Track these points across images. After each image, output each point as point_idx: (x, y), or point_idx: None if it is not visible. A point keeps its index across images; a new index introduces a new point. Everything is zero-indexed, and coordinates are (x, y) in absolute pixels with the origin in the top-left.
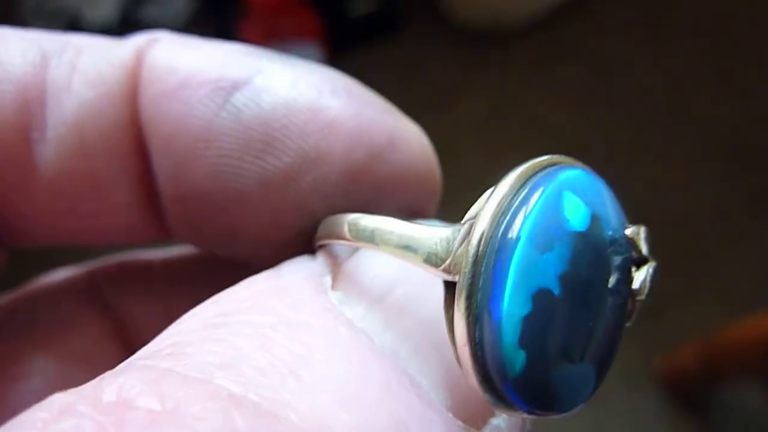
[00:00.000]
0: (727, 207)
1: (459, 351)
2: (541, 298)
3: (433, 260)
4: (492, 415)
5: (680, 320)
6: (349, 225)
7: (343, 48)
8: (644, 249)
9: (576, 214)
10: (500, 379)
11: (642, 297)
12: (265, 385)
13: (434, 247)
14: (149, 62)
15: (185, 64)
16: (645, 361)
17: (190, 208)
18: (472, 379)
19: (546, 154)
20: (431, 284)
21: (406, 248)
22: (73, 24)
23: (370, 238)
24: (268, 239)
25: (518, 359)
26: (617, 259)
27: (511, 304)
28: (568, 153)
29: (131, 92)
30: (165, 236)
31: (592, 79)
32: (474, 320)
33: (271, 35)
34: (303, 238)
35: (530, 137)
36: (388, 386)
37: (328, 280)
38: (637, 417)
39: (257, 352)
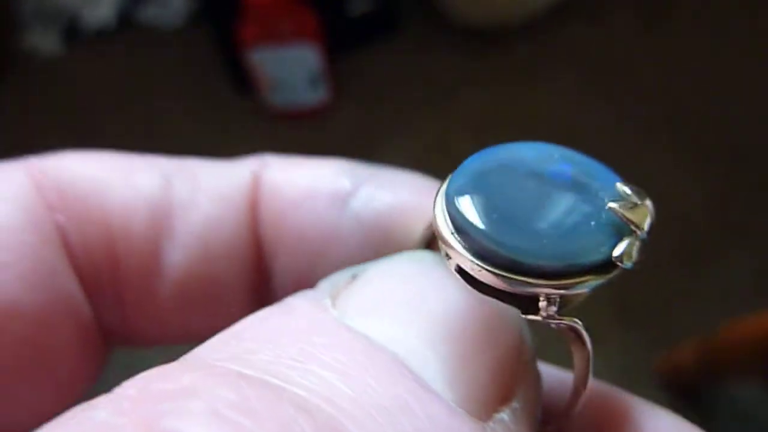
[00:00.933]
0: (729, 204)
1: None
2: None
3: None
4: (496, 409)
5: (680, 319)
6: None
7: (342, 48)
8: (633, 216)
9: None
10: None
11: (623, 265)
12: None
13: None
14: (267, 180)
15: (303, 178)
16: (645, 360)
17: None
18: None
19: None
20: (421, 293)
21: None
22: (72, 24)
23: None
24: None
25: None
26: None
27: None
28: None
29: (252, 205)
30: None
31: (591, 79)
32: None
33: (269, 35)
34: None
35: (529, 136)
36: (391, 376)
37: (327, 302)
38: None
39: (268, 353)
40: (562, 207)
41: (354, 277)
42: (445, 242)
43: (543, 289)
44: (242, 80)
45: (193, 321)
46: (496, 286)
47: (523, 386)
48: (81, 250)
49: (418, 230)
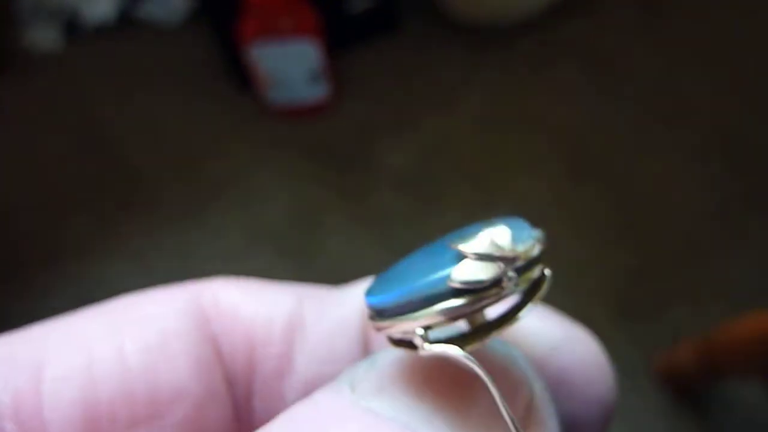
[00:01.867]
0: (727, 205)
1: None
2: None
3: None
4: None
5: (679, 319)
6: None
7: (342, 45)
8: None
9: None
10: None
11: (464, 284)
12: None
13: None
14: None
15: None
16: (644, 359)
17: None
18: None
19: (544, 150)
20: (421, 377)
21: None
22: (72, 20)
23: None
24: None
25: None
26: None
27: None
28: (567, 151)
29: (364, 320)
30: None
31: (592, 77)
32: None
33: (269, 32)
34: None
35: (529, 134)
36: None
37: (345, 387)
38: (635, 414)
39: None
40: (429, 263)
41: (372, 362)
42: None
43: (405, 325)
44: (242, 77)
45: None
46: (388, 335)
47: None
48: (228, 356)
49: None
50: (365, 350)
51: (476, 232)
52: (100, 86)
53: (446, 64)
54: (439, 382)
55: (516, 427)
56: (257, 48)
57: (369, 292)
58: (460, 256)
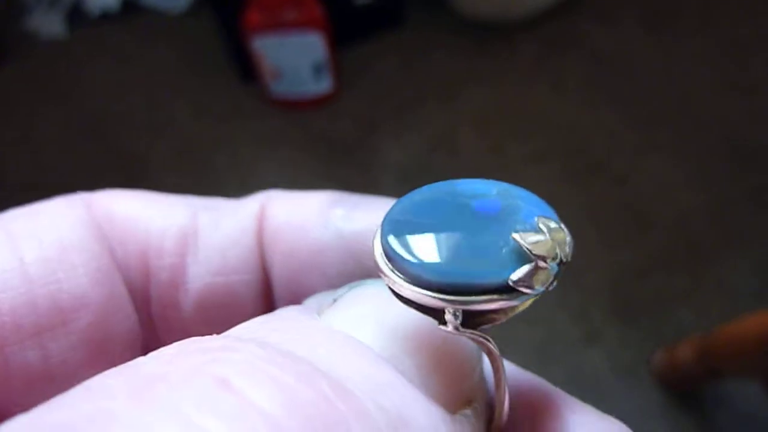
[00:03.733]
0: (729, 205)
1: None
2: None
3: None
4: (464, 406)
5: (680, 318)
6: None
7: (347, 39)
8: (535, 249)
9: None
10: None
11: (522, 289)
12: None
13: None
14: (270, 208)
15: (297, 207)
16: (644, 359)
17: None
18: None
19: (546, 148)
20: (396, 314)
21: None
22: (76, 7)
23: None
24: None
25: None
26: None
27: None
28: (568, 149)
29: (259, 228)
30: None
31: (596, 74)
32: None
33: (274, 23)
34: None
35: (532, 130)
36: (380, 364)
37: (315, 315)
38: (635, 413)
39: (270, 336)
40: (477, 235)
41: (335, 300)
42: (377, 266)
43: (442, 303)
44: (246, 68)
45: (211, 328)
46: (411, 299)
47: (479, 396)
48: (123, 266)
49: None
50: (260, 261)
51: (531, 221)
52: (102, 74)
53: (449, 60)
54: (424, 336)
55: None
56: (262, 39)
57: (400, 242)
58: (520, 254)
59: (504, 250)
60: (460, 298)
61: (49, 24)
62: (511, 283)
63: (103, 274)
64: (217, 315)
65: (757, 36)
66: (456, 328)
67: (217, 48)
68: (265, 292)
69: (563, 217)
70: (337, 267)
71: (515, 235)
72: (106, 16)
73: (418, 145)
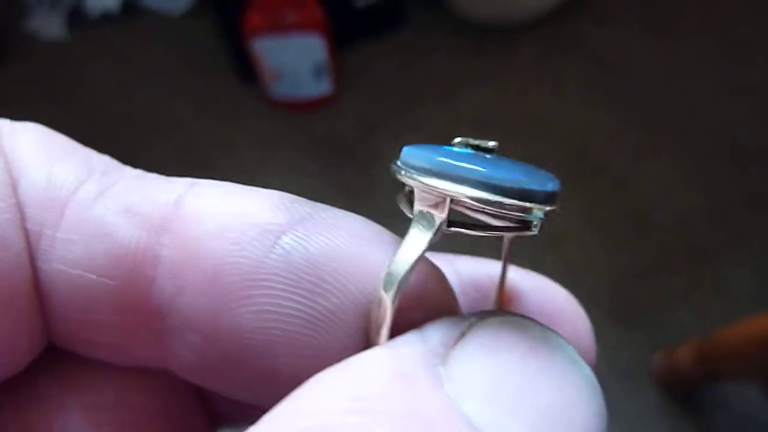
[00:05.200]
0: (729, 206)
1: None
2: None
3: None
4: None
5: (680, 320)
6: None
7: (347, 40)
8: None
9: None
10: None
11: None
12: None
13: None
14: (188, 205)
15: (232, 206)
16: (644, 360)
17: (225, 348)
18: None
19: (545, 150)
20: (534, 381)
21: None
22: (76, 9)
23: None
24: (299, 381)
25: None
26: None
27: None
28: (568, 151)
29: (157, 226)
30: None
31: (596, 76)
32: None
33: (274, 25)
34: None
35: (532, 131)
36: None
37: (442, 371)
38: (634, 415)
39: None
40: (509, 164)
41: (462, 335)
42: (451, 192)
43: (539, 211)
44: (246, 69)
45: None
46: (510, 214)
47: None
48: None
49: (359, 280)
50: (142, 273)
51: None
52: (102, 75)
53: (449, 61)
54: (565, 416)
55: None
56: (262, 41)
57: (474, 168)
58: (552, 178)
59: (528, 169)
60: (547, 206)
61: (49, 25)
62: (557, 192)
63: (17, 216)
64: (74, 310)
65: (757, 37)
66: (540, 229)
67: (218, 49)
68: (150, 318)
69: (563, 218)
70: (281, 306)
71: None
72: (106, 17)
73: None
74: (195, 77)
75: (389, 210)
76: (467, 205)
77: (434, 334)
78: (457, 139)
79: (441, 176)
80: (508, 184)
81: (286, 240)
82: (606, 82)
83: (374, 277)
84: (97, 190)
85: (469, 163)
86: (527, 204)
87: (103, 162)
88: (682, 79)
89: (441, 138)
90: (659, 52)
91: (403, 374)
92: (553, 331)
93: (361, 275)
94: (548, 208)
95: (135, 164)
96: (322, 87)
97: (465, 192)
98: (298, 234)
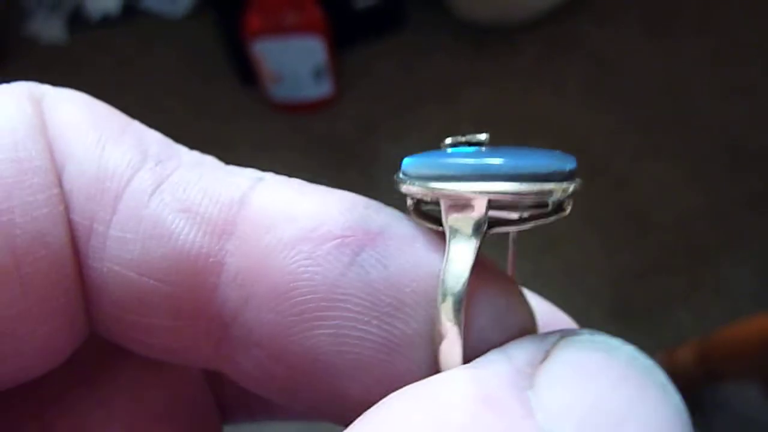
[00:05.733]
0: (729, 206)
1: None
2: None
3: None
4: None
5: (679, 320)
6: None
7: (347, 42)
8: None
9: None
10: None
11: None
12: None
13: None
14: (256, 205)
15: (304, 211)
16: None
17: (293, 367)
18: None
19: (546, 149)
20: (626, 410)
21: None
22: (76, 11)
23: None
24: (374, 402)
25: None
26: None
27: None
28: (570, 149)
29: (221, 231)
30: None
31: (596, 77)
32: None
33: (274, 27)
34: None
35: (531, 134)
36: None
37: (531, 395)
38: None
39: None
40: (512, 152)
41: (547, 353)
42: (485, 190)
43: (568, 188)
44: (246, 71)
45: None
46: (544, 199)
47: None
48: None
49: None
50: (210, 288)
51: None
52: (102, 77)
53: (449, 62)
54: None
55: None
56: (262, 43)
57: (494, 162)
58: (559, 154)
59: (536, 152)
60: (566, 184)
61: (49, 28)
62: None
63: (60, 208)
64: (135, 316)
65: (757, 37)
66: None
67: (218, 52)
68: (211, 327)
69: (562, 219)
70: (358, 329)
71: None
72: (106, 20)
73: (419, 147)
74: (195, 79)
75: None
76: (501, 201)
77: (519, 353)
78: (448, 140)
79: (464, 178)
80: (536, 170)
81: (365, 257)
82: (606, 82)
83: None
84: (153, 182)
85: (482, 159)
86: (563, 185)
87: (156, 142)
88: (681, 79)
89: (441, 137)
90: (659, 52)
91: (488, 398)
92: (642, 353)
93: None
94: (576, 184)
95: None
96: (322, 88)
97: (499, 188)
98: (377, 250)
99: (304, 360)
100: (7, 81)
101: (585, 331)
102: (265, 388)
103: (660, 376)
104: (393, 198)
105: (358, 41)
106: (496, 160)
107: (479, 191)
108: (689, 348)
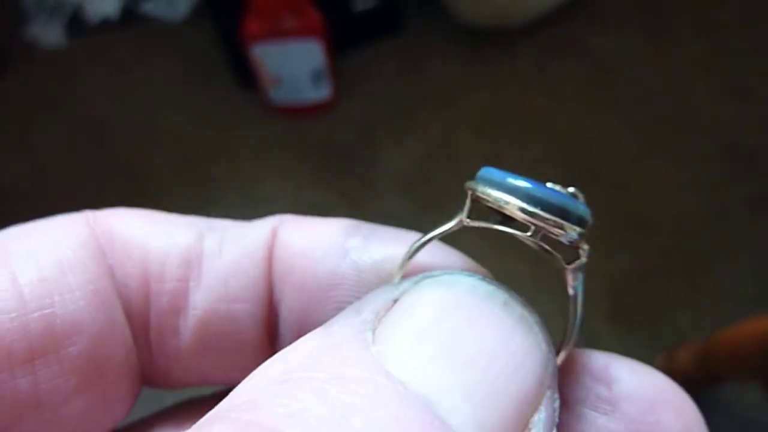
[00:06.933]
0: (728, 208)
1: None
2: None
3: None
4: (526, 427)
5: (680, 321)
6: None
7: (346, 45)
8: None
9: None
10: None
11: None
12: (325, 429)
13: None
14: (283, 233)
15: (311, 234)
16: (644, 362)
17: None
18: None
19: (545, 152)
20: (457, 330)
21: None
22: (76, 16)
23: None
24: None
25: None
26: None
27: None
28: (567, 153)
29: (268, 256)
30: None
31: (594, 80)
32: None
33: (273, 31)
34: None
35: (530, 136)
36: (421, 427)
37: (369, 335)
38: None
39: (316, 404)
40: (558, 190)
41: (395, 301)
42: (522, 209)
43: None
44: (246, 75)
45: (213, 363)
46: (551, 234)
47: (544, 414)
48: (122, 289)
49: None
50: (266, 291)
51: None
52: (102, 82)
53: (448, 66)
54: (489, 361)
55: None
56: (261, 47)
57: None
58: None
59: (567, 194)
60: (586, 230)
61: (49, 32)
62: (588, 218)
63: (101, 298)
64: (217, 343)
65: (754, 41)
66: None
67: (217, 56)
68: (269, 322)
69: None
70: (351, 300)
71: (557, 186)
72: (105, 24)
73: (417, 151)
74: (194, 83)
75: (389, 214)
76: (495, 206)
77: (367, 306)
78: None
79: (498, 188)
80: (550, 199)
81: (354, 252)
82: (604, 86)
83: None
84: (217, 240)
85: (516, 179)
86: (563, 221)
87: (196, 220)
88: (679, 82)
89: (440, 141)
90: (657, 56)
91: (329, 345)
92: (484, 278)
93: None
94: (580, 231)
95: (135, 170)
96: (321, 92)
97: (511, 201)
98: (362, 248)
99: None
100: (6, 85)
101: (440, 272)
102: None
103: (500, 295)
104: (392, 197)
105: (357, 45)
106: (526, 183)
107: (483, 192)
108: (689, 350)
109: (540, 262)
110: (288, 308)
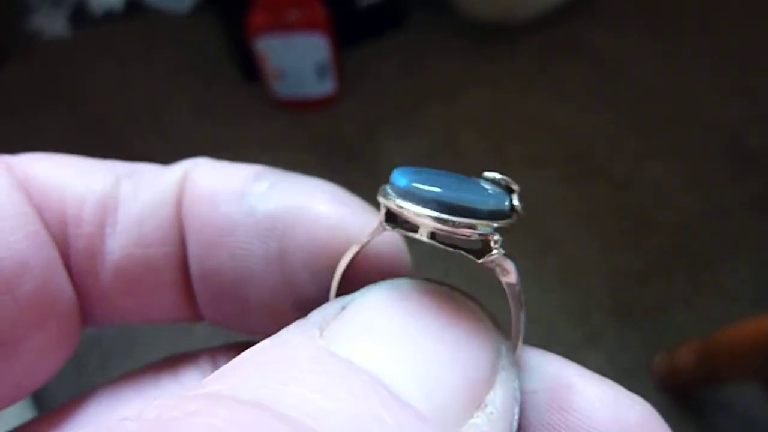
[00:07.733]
0: (729, 208)
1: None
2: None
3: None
4: (471, 416)
5: (680, 321)
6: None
7: (350, 40)
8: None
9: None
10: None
11: (520, 211)
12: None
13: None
14: (191, 178)
15: (216, 179)
16: (644, 361)
17: (212, 284)
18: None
19: (546, 150)
20: (400, 318)
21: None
22: (79, 7)
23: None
24: (270, 310)
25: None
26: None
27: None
28: (570, 151)
29: (178, 199)
30: (196, 317)
31: (597, 78)
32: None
33: (277, 24)
34: (297, 308)
35: (532, 134)
36: (367, 393)
37: (317, 332)
38: None
39: (258, 379)
40: (473, 184)
41: (343, 308)
42: (418, 214)
43: (489, 229)
44: (249, 68)
45: (133, 304)
46: (463, 235)
47: (500, 392)
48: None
49: (306, 227)
50: (178, 234)
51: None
52: (105, 73)
53: (451, 62)
54: (421, 330)
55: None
56: (265, 40)
57: (434, 190)
58: (510, 190)
59: (491, 191)
60: (503, 222)
61: (52, 24)
62: (515, 208)
63: (42, 239)
64: (136, 285)
65: (757, 41)
66: (498, 254)
67: (221, 48)
68: (184, 264)
69: (563, 219)
70: (245, 248)
71: (489, 174)
72: (109, 16)
73: (420, 146)
74: (198, 76)
75: None
76: (405, 216)
77: (315, 314)
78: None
79: (403, 197)
80: (455, 202)
81: (252, 200)
82: (606, 84)
83: (317, 226)
84: (133, 185)
85: (426, 185)
86: (471, 221)
87: (114, 164)
88: (682, 81)
89: (443, 137)
90: (660, 54)
91: (275, 343)
92: (430, 280)
93: (307, 224)
94: (495, 225)
95: (138, 161)
96: (325, 86)
97: (425, 220)
98: (263, 195)
99: (216, 276)
100: (10, 75)
101: (387, 281)
102: (210, 313)
103: (444, 290)
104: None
105: (361, 40)
106: (435, 189)
107: (386, 205)
108: (690, 349)
109: (541, 260)
110: (191, 252)
